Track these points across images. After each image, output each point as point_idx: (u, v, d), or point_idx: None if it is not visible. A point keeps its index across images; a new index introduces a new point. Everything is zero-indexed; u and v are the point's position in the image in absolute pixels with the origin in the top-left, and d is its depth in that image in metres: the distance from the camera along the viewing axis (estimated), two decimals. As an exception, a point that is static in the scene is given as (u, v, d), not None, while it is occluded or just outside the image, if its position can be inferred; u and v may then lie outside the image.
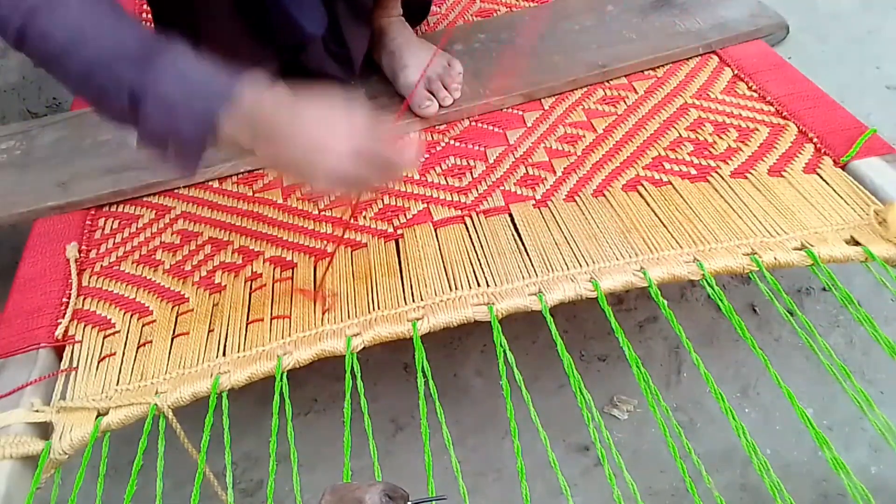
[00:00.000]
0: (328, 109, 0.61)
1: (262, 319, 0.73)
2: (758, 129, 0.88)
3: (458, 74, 0.97)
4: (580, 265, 0.73)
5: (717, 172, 0.83)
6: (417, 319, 0.69)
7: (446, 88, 0.95)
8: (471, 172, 0.88)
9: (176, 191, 0.91)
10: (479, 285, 0.72)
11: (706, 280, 0.69)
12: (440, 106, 0.94)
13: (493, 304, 0.69)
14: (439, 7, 1.18)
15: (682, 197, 0.80)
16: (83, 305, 0.78)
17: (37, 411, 0.66)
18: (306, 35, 0.75)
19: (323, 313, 0.72)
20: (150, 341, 0.73)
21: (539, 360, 0.92)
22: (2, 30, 0.56)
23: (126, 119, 0.58)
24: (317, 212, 0.86)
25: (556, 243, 0.76)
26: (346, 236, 0.82)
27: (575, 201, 0.82)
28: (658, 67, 1.00)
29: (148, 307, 0.77)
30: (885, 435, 0.58)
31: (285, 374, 0.66)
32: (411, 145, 0.64)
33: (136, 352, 0.72)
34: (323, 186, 0.61)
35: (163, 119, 0.57)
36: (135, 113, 0.57)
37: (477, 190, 0.85)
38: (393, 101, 0.97)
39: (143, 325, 0.75)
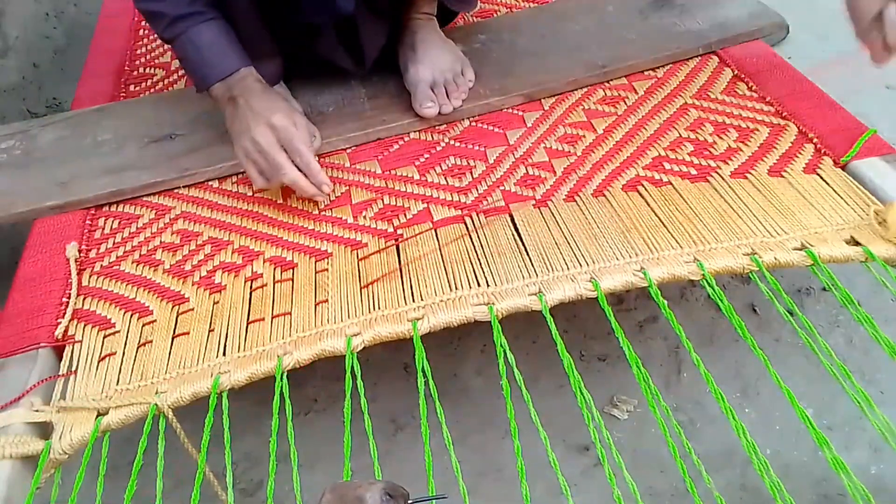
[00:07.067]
0: (276, 108, 0.81)
1: (263, 319, 0.73)
2: (758, 130, 0.88)
3: (469, 82, 0.97)
4: (580, 265, 0.73)
5: (717, 172, 0.83)
6: (417, 319, 0.69)
7: (449, 96, 0.94)
8: (471, 172, 0.88)
9: (176, 191, 0.91)
10: (479, 285, 0.72)
11: (706, 280, 0.69)
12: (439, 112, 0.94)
13: (493, 304, 0.69)
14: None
15: (682, 197, 0.80)
16: (83, 305, 0.78)
17: (37, 411, 0.65)
18: (338, 9, 0.79)
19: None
20: (151, 341, 0.73)
21: (539, 360, 0.92)
22: None
23: None
24: (317, 212, 0.86)
25: (556, 243, 0.76)
26: (345, 236, 0.82)
27: (575, 201, 0.82)
28: (658, 68, 1.00)
29: (148, 307, 0.77)
30: (885, 435, 0.57)
31: (285, 374, 0.66)
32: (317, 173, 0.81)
33: (137, 352, 0.72)
34: (241, 161, 0.82)
35: (182, 62, 0.86)
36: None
37: (477, 190, 0.85)
38: (392, 102, 0.97)
39: (144, 325, 0.75)
